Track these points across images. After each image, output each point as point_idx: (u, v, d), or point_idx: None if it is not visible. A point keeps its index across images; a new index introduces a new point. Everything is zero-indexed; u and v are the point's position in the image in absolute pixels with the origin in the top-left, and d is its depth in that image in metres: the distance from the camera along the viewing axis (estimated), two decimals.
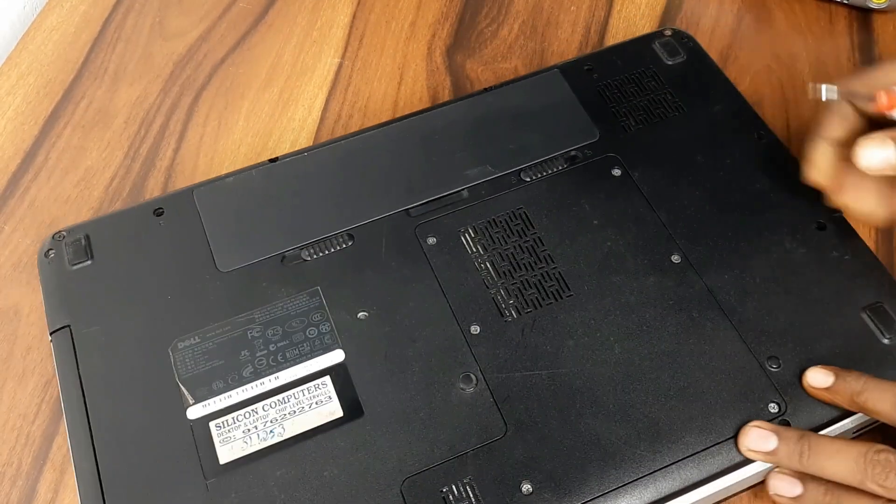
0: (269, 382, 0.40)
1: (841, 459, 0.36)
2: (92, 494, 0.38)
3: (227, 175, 0.48)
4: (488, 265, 0.44)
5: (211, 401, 0.40)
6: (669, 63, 0.51)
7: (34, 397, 0.45)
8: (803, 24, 0.59)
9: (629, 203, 0.45)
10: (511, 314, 0.42)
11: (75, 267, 0.45)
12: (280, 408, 0.40)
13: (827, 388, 0.38)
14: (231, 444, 0.39)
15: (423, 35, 0.60)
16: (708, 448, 0.38)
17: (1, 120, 0.57)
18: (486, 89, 0.51)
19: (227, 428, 0.39)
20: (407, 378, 0.40)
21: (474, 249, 0.44)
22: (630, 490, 0.37)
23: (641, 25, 0.60)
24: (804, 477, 0.38)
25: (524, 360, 0.40)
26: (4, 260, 0.51)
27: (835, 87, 0.41)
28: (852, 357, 0.40)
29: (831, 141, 0.42)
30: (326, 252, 0.44)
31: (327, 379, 0.40)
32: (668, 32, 0.53)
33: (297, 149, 0.51)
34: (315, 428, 0.39)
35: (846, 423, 0.39)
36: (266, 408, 0.40)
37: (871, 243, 0.47)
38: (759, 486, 0.41)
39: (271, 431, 0.39)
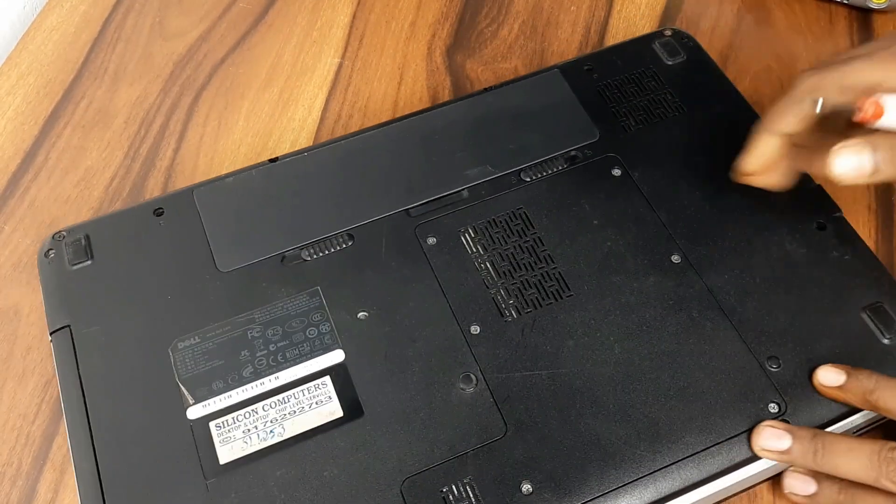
0: (269, 382, 0.40)
1: (854, 458, 0.36)
2: (92, 494, 0.38)
3: (227, 175, 0.48)
4: (488, 265, 0.44)
5: (211, 401, 0.40)
6: (669, 63, 0.51)
7: (34, 397, 0.46)
8: (803, 24, 0.59)
9: (629, 203, 0.45)
10: (511, 314, 0.42)
11: (75, 267, 0.45)
12: (280, 408, 0.40)
13: (839, 387, 0.38)
14: (231, 444, 0.39)
15: (423, 35, 0.60)
16: (708, 448, 0.38)
17: (1, 120, 0.57)
18: (486, 89, 0.51)
19: (227, 428, 0.39)
20: (407, 378, 0.40)
21: (474, 249, 0.44)
22: (630, 490, 0.37)
23: (641, 25, 0.60)
24: (818, 475, 0.38)
25: (524, 360, 0.40)
26: (4, 260, 0.51)
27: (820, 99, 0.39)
28: (852, 357, 0.40)
29: (782, 135, 0.41)
30: (326, 252, 0.44)
31: (327, 379, 0.40)
32: (668, 32, 0.53)
33: (297, 149, 0.51)
34: (315, 428, 0.39)
35: (846, 424, 0.39)
36: (266, 408, 0.40)
37: (871, 243, 0.47)
38: (758, 487, 0.41)
39: (271, 431, 0.39)
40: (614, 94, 0.50)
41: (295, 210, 0.46)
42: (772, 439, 0.38)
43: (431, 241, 0.45)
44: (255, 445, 0.39)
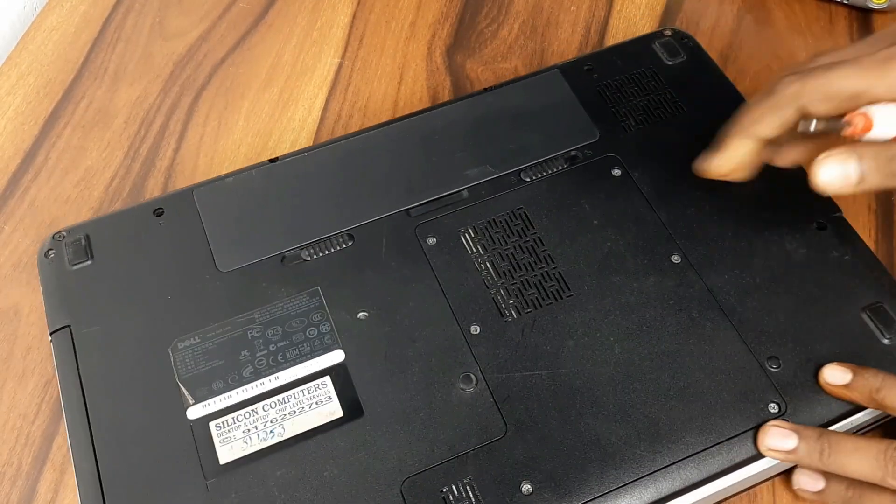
0: (269, 382, 0.40)
1: (861, 457, 0.36)
2: (92, 494, 0.38)
3: (227, 175, 0.48)
4: (488, 265, 0.44)
5: (211, 401, 0.40)
6: (669, 63, 0.51)
7: (34, 397, 0.46)
8: (803, 24, 0.59)
9: (629, 203, 0.45)
10: (511, 314, 0.42)
11: (75, 267, 0.45)
12: (280, 408, 0.40)
13: (845, 385, 0.38)
14: (231, 444, 0.39)
15: (423, 35, 0.60)
16: (708, 448, 0.38)
17: (1, 120, 0.57)
18: (486, 89, 0.51)
19: (227, 428, 0.39)
20: (407, 378, 0.40)
21: (474, 249, 0.44)
22: (630, 490, 0.37)
23: (641, 25, 0.60)
24: (827, 473, 0.38)
25: (524, 360, 0.40)
26: (4, 260, 0.51)
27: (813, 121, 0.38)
28: (852, 357, 0.40)
29: (758, 140, 0.40)
30: (326, 252, 0.44)
31: (327, 379, 0.40)
32: (668, 32, 0.53)
33: (297, 149, 0.51)
34: (315, 428, 0.39)
35: (846, 423, 0.39)
36: (266, 408, 0.40)
37: (871, 243, 0.47)
38: (758, 487, 0.41)
39: (271, 431, 0.39)
40: (614, 94, 0.50)
41: (295, 210, 0.46)
42: (778, 439, 0.38)
43: (431, 241, 0.45)
44: (255, 445, 0.39)
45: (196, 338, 0.42)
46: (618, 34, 0.59)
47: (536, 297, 0.42)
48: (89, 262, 0.45)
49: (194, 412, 0.40)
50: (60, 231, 0.46)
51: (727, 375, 0.40)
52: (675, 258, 0.43)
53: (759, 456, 0.38)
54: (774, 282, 0.42)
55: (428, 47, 0.60)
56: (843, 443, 0.37)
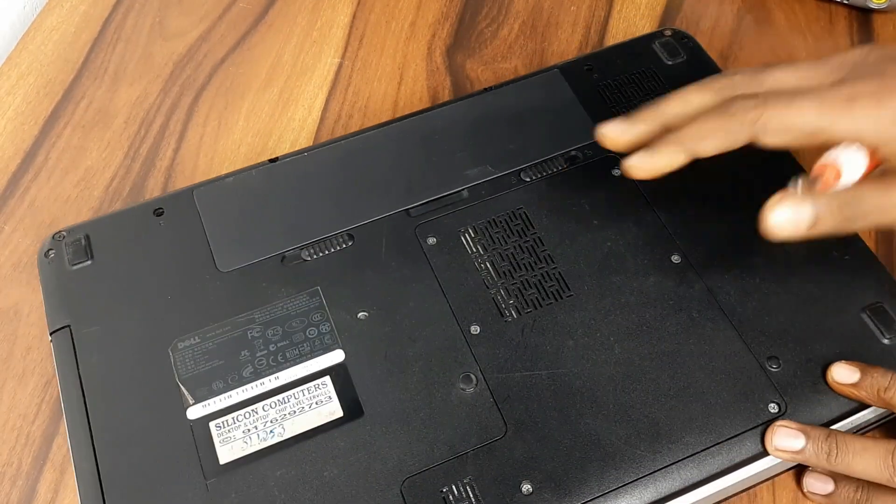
0: (269, 382, 0.40)
1: (868, 458, 0.36)
2: (92, 494, 0.38)
3: (227, 175, 0.48)
4: (488, 265, 0.44)
5: (211, 401, 0.40)
6: (669, 63, 0.51)
7: (34, 397, 0.45)
8: (803, 24, 0.59)
9: (629, 203, 0.45)
10: (511, 314, 0.42)
11: (75, 267, 0.45)
12: (280, 408, 0.40)
13: (853, 384, 0.38)
14: (231, 444, 0.39)
15: (423, 35, 0.60)
16: (708, 448, 0.38)
17: (1, 120, 0.57)
18: (486, 89, 0.51)
19: (227, 428, 0.39)
20: (407, 378, 0.40)
21: (474, 249, 0.44)
22: (630, 490, 0.37)
23: (641, 25, 0.60)
24: (836, 475, 0.38)
25: (524, 360, 0.40)
26: (4, 260, 0.51)
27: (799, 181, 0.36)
28: (852, 357, 0.40)
29: (695, 156, 0.38)
30: (326, 252, 0.44)
31: (327, 379, 0.40)
32: (668, 32, 0.53)
33: (297, 149, 0.51)
34: (315, 428, 0.39)
35: (846, 423, 0.39)
36: (266, 408, 0.40)
37: (871, 243, 0.47)
38: (758, 487, 0.41)
39: (271, 431, 0.39)
40: (614, 94, 0.50)
41: (295, 210, 0.46)
42: (786, 439, 0.38)
43: (431, 241, 0.45)
44: (255, 445, 0.39)
45: (196, 338, 0.42)
46: (618, 34, 0.59)
47: (536, 297, 0.42)
48: (89, 262, 0.45)
49: (194, 412, 0.40)
50: (60, 231, 0.46)
51: (727, 375, 0.40)
52: (675, 258, 0.43)
53: (759, 456, 0.38)
54: (774, 282, 0.42)
55: (428, 47, 0.60)
56: (850, 443, 0.37)
